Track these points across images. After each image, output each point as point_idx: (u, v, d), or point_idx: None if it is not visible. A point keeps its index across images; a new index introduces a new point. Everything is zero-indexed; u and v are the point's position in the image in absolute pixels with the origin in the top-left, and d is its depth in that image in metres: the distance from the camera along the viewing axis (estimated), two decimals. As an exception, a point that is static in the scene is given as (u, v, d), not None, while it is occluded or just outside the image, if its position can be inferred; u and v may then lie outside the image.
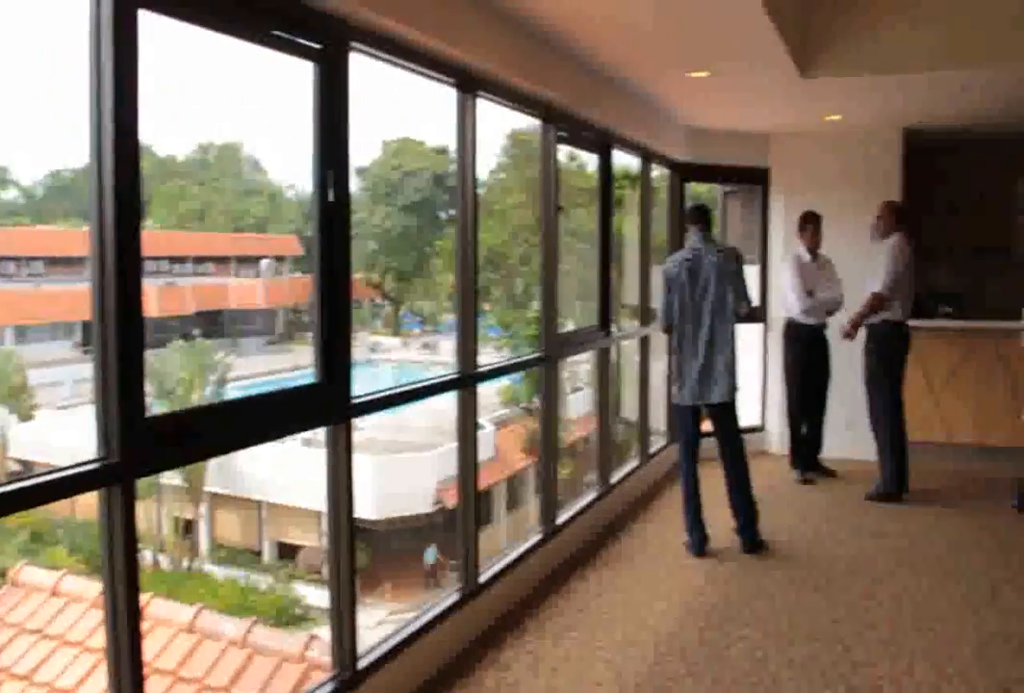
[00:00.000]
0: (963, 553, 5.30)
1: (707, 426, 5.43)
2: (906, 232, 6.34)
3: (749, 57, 4.99)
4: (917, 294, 6.62)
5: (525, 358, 5.19)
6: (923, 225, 8.46)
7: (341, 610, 3.30)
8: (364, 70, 3.39)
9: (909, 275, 6.30)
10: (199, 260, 18.97)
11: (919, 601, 4.59)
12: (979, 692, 3.61)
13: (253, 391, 3.08)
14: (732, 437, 5.36)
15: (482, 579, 4.32)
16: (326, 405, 3.19)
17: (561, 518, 5.26)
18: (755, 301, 6.95)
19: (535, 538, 4.97)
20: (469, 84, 4.06)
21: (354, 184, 3.26)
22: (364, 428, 12.71)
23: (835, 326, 6.64)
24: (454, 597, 4.13)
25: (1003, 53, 5.12)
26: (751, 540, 5.30)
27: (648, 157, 6.83)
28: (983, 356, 7.03)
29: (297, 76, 3.20)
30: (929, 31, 5.15)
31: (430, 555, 14.16)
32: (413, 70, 3.71)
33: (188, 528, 14.33)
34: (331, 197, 3.13)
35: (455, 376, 4.15)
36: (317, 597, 12.45)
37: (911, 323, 6.43)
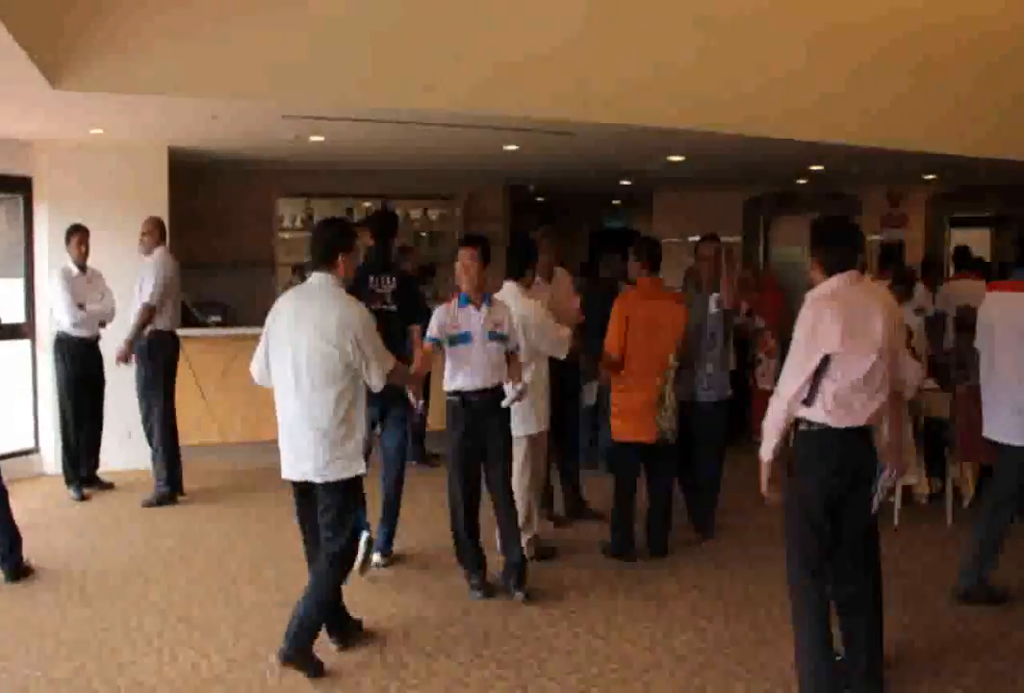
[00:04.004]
0: (235, 542, 5.77)
1: None
2: (168, 246, 6.69)
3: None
4: (184, 305, 6.96)
5: None
6: (192, 239, 8.93)
7: None
8: None
9: (175, 287, 6.64)
10: None
11: (189, 592, 4.90)
12: (238, 659, 4.02)
13: None
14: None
15: None
16: None
17: None
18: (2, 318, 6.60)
19: None
20: None
21: None
22: None
23: (109, 339, 6.71)
24: None
25: (243, 88, 5.66)
26: (13, 568, 5.06)
27: None
28: (248, 360, 7.63)
29: None
30: (178, 57, 5.43)
31: None
32: None
33: None
34: None
35: None
36: None
37: (180, 332, 6.80)
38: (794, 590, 3.58)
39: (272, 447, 7.42)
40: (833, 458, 3.47)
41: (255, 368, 4.16)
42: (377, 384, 4.03)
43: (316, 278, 4.04)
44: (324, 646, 4.13)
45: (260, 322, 9.09)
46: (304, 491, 4.06)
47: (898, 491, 6.12)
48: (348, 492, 4.01)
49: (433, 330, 4.75)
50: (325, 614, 4.03)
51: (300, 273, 9.62)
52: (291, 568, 5.22)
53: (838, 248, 3.51)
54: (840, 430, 3.43)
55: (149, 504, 6.49)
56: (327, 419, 3.93)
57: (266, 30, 5.54)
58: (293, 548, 5.50)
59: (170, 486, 6.57)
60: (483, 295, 4.79)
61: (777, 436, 3.50)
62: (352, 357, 3.92)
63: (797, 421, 3.50)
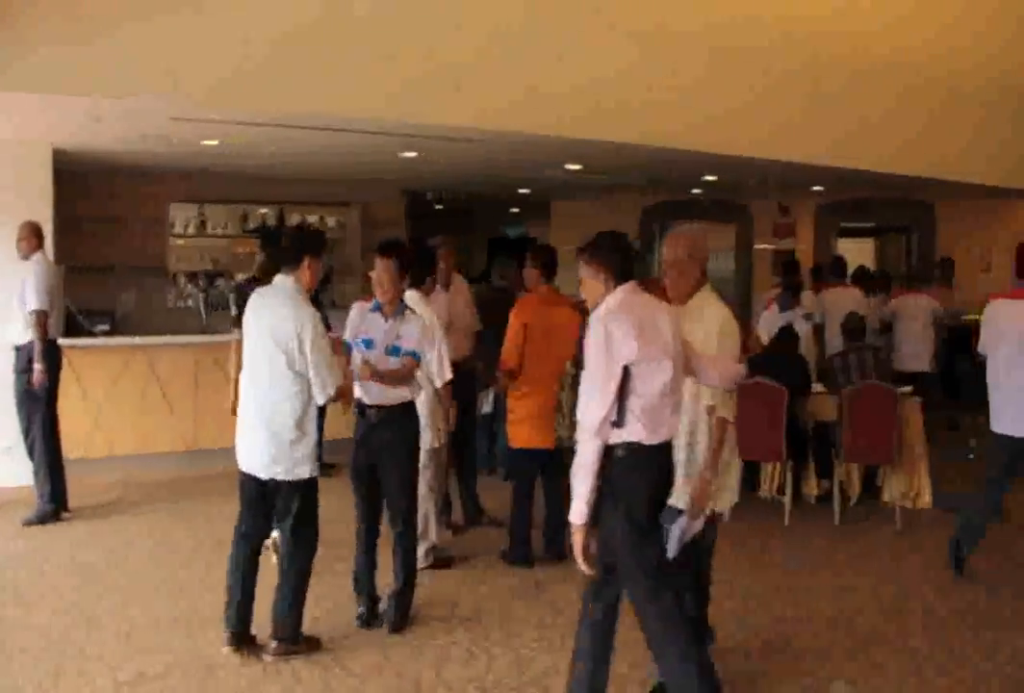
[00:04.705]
0: (122, 559, 5.56)
1: None
2: (50, 252, 6.47)
3: None
4: (70, 312, 6.69)
5: None
6: (79, 244, 8.63)
7: None
8: None
9: (59, 293, 6.40)
10: None
11: (73, 613, 4.69)
12: (125, 681, 3.89)
13: None
14: None
15: None
16: None
17: None
18: None
19: None
20: None
21: None
22: None
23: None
24: None
25: (128, 89, 5.50)
26: None
27: None
28: (139, 369, 7.43)
29: None
30: (59, 55, 5.24)
31: None
32: None
33: None
34: None
35: None
36: None
37: (66, 342, 6.55)
38: (649, 608, 3.33)
39: (163, 458, 7.39)
40: (654, 471, 3.34)
41: None
42: (319, 396, 4.03)
43: (279, 280, 4.13)
44: (207, 663, 4.04)
45: (151, 330, 8.92)
46: (254, 481, 4.14)
47: (788, 491, 6.31)
48: (309, 488, 4.16)
49: (348, 334, 4.55)
50: (303, 589, 4.19)
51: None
52: (181, 584, 5.11)
53: (622, 259, 3.40)
54: (656, 446, 3.31)
55: (30, 522, 6.18)
56: (280, 421, 4.02)
57: (156, 30, 5.40)
58: (181, 563, 5.42)
59: (53, 503, 6.28)
60: (399, 306, 4.53)
61: (589, 482, 3.22)
62: (298, 363, 3.98)
63: (610, 449, 3.26)
